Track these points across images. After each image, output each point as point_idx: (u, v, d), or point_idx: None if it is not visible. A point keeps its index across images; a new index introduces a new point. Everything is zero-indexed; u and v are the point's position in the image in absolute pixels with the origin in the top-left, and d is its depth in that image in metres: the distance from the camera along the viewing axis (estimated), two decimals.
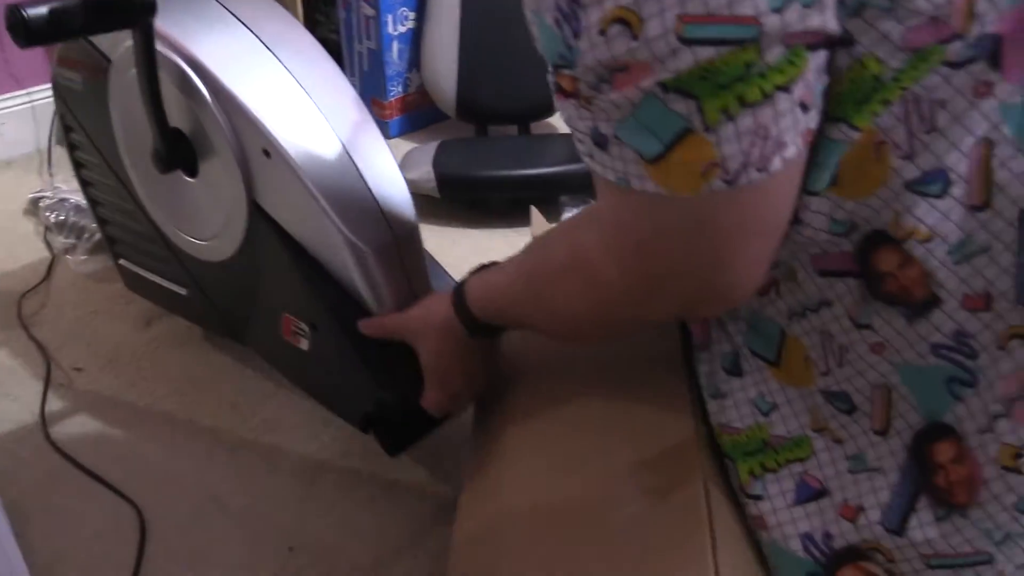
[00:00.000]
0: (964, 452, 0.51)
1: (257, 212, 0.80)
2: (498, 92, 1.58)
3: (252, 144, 0.76)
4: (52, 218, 1.23)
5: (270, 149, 0.75)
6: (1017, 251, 0.47)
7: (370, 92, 1.68)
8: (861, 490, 0.55)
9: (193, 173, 0.85)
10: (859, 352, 0.53)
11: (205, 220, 0.87)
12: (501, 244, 1.33)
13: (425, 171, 1.40)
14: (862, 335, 0.52)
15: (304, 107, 0.78)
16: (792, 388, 0.57)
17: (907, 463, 0.53)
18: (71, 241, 1.23)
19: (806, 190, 0.49)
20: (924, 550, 0.53)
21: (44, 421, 1.00)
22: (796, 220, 0.50)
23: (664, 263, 0.51)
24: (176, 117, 0.81)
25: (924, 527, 0.53)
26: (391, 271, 0.78)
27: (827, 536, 0.56)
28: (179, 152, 0.82)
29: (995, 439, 0.50)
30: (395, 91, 1.67)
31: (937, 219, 0.47)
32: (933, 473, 0.52)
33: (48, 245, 1.27)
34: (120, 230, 1.04)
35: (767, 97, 0.42)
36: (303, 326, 0.81)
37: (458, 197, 1.42)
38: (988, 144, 0.45)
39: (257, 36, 0.80)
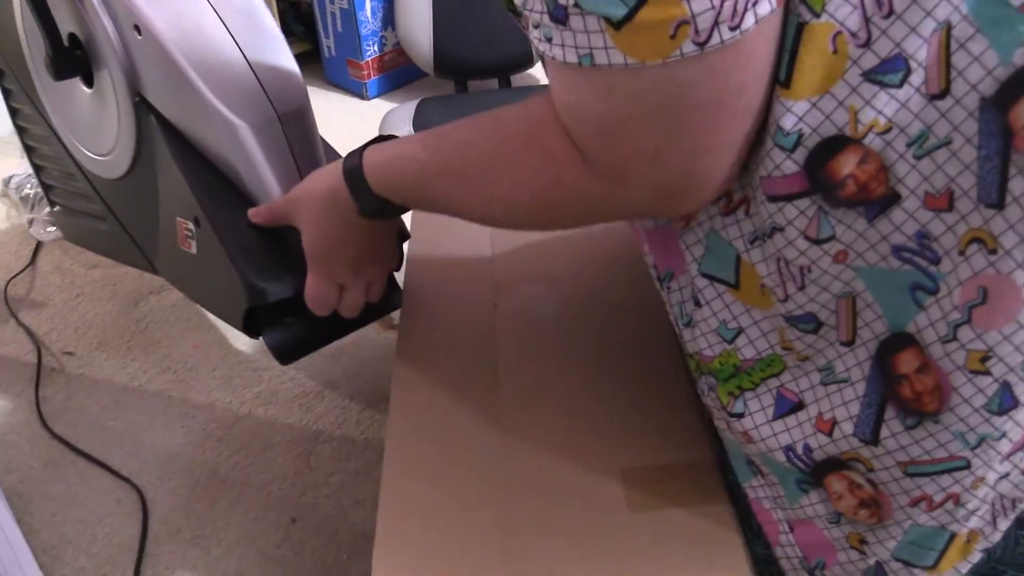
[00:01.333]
0: (928, 362, 0.51)
1: (143, 106, 0.76)
2: (476, 46, 1.55)
3: (126, 23, 0.72)
4: (18, 194, 1.22)
5: (139, 23, 0.70)
6: (978, 145, 0.46)
7: (345, 53, 1.65)
8: (833, 403, 0.56)
9: (90, 83, 0.82)
10: (822, 267, 0.52)
11: (104, 132, 0.84)
12: None
13: (405, 132, 1.38)
14: (823, 249, 0.51)
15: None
16: (757, 310, 0.57)
17: (872, 373, 0.54)
18: (34, 215, 1.22)
19: None
20: (900, 457, 0.54)
21: (39, 408, 1.00)
22: None
23: (634, 147, 0.48)
24: (67, 21, 0.78)
25: (896, 436, 0.54)
26: (273, 152, 0.72)
27: (807, 448, 0.58)
28: (71, 57, 0.78)
29: (960, 347, 0.50)
30: (371, 51, 1.64)
31: (896, 109, 0.46)
32: (897, 383, 0.53)
33: (31, 225, 1.26)
34: (49, 170, 1.02)
35: None
36: (190, 226, 0.76)
37: None
38: (947, 27, 0.44)
39: None
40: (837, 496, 0.58)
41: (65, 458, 0.94)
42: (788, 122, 0.48)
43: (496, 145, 0.56)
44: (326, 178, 0.65)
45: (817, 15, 0.45)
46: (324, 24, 1.66)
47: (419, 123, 1.39)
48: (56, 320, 1.13)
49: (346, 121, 1.60)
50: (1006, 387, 0.50)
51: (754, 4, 0.43)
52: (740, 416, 0.60)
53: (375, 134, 1.38)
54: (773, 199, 0.52)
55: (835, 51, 0.46)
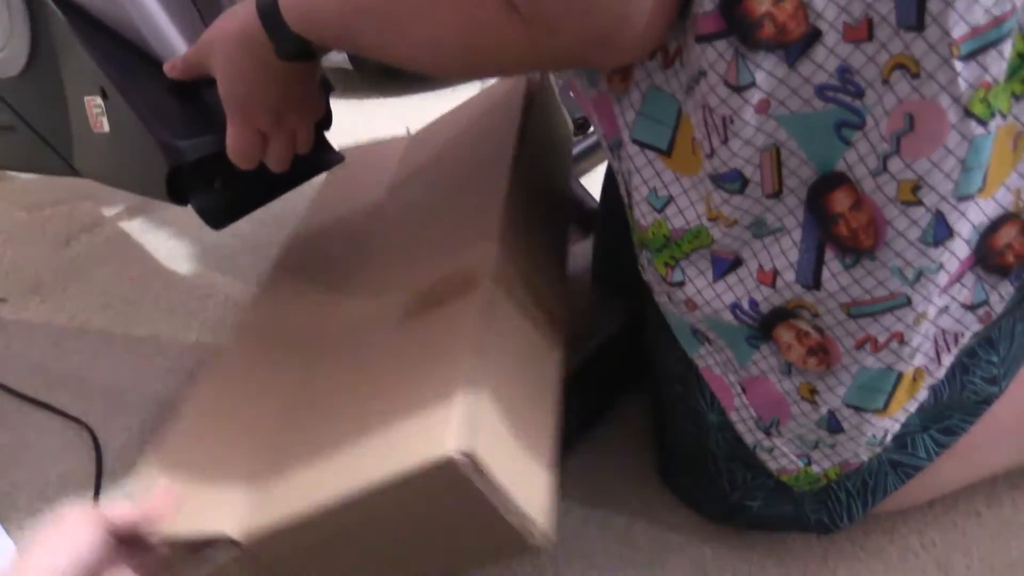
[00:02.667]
0: (861, 198, 0.51)
1: None
2: None
3: None
4: None
5: None
6: None
7: None
8: (771, 253, 0.55)
9: None
10: (744, 118, 0.51)
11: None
12: (420, 110, 1.27)
13: None
14: (743, 98, 0.50)
15: None
16: (686, 177, 0.56)
17: (806, 218, 0.53)
18: None
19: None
20: (842, 299, 0.54)
21: None
22: None
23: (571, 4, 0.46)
24: None
25: (837, 276, 0.53)
26: (173, 4, 0.67)
27: (753, 303, 0.57)
28: None
29: (890, 178, 0.49)
30: None
31: None
32: (833, 224, 0.52)
33: None
34: None
35: None
36: (99, 101, 0.71)
37: (370, 66, 1.35)
38: None
39: None
40: (787, 346, 0.58)
41: (9, 405, 0.91)
42: None
43: None
44: (240, 17, 0.60)
45: None
46: None
47: None
48: None
49: None
50: (939, 217, 0.50)
51: None
52: (681, 284, 0.59)
53: None
54: (699, 39, 0.50)
55: None
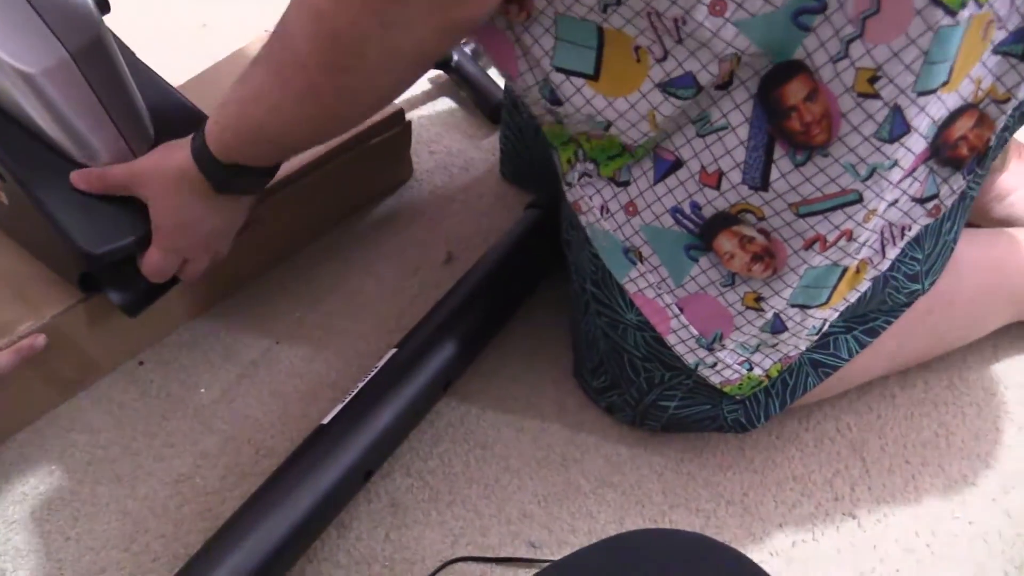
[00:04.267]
0: (816, 87, 0.47)
1: None
2: None
3: None
4: None
5: None
6: None
7: None
8: (715, 153, 0.52)
9: None
10: (697, 18, 0.47)
11: None
12: None
13: None
14: None
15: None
16: (621, 99, 0.52)
17: (755, 113, 0.50)
18: None
19: None
20: (791, 199, 0.51)
21: None
22: None
23: None
24: None
25: (787, 176, 0.51)
26: (72, 95, 0.63)
27: (695, 206, 0.54)
28: None
29: (850, 65, 0.46)
30: None
31: None
32: (785, 117, 0.49)
33: None
34: None
35: None
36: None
37: None
38: None
39: None
40: (729, 256, 0.55)
41: None
42: None
43: (288, 39, 0.51)
44: (177, 156, 0.60)
45: None
46: None
47: None
48: None
49: None
50: (896, 111, 0.46)
51: None
52: (626, 184, 0.56)
53: None
54: None
55: None
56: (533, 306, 0.80)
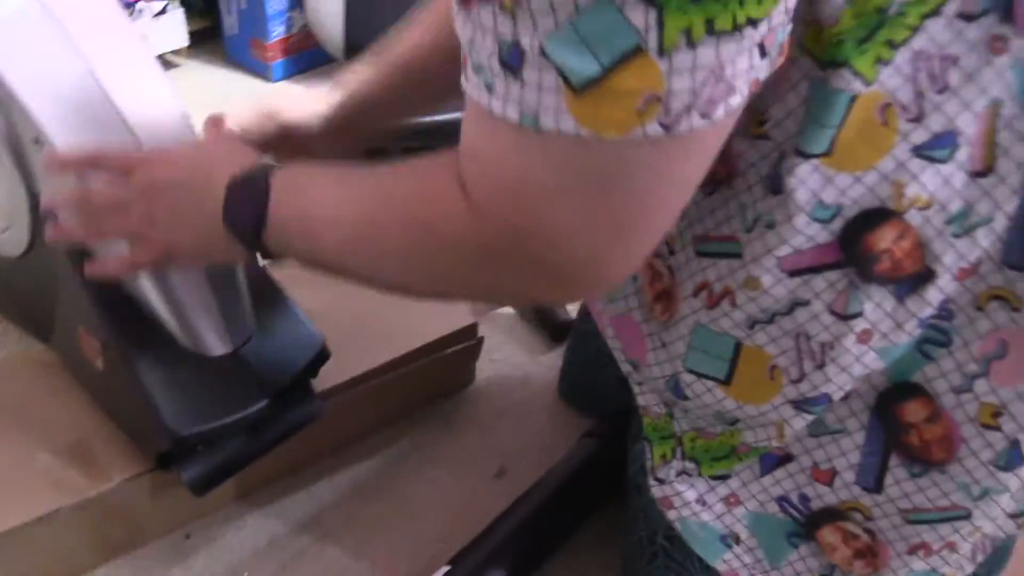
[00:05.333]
0: (937, 411, 0.50)
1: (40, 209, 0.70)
2: (391, 33, 1.49)
3: (23, 131, 0.66)
4: None
5: (41, 137, 0.64)
6: (1014, 216, 0.45)
7: (249, 33, 1.56)
8: (829, 453, 0.54)
9: None
10: (845, 345, 0.49)
11: None
12: None
13: None
14: (849, 326, 0.49)
15: (92, 97, 0.65)
16: (751, 406, 0.54)
17: (872, 423, 0.52)
18: None
19: (798, 151, 0.44)
20: (903, 504, 0.53)
21: None
22: (776, 190, 0.46)
23: (545, 221, 0.41)
24: None
25: (901, 483, 0.52)
26: (189, 284, 0.68)
27: (803, 498, 0.56)
28: None
29: (974, 399, 0.49)
30: (277, 32, 1.55)
31: (938, 186, 0.44)
32: (904, 432, 0.51)
33: None
34: None
35: (737, 29, 0.35)
36: (97, 345, 0.73)
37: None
38: (995, 105, 0.42)
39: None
40: (831, 548, 0.56)
41: None
42: (830, 195, 0.45)
43: (392, 216, 0.48)
44: (219, 176, 0.54)
45: (868, 84, 0.42)
46: (228, 1, 1.56)
47: None
48: None
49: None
50: (1015, 445, 0.49)
51: (727, 95, 0.38)
52: (725, 478, 0.58)
53: None
54: (796, 273, 0.48)
55: (884, 123, 0.43)
56: (579, 538, 0.81)
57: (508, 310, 1.08)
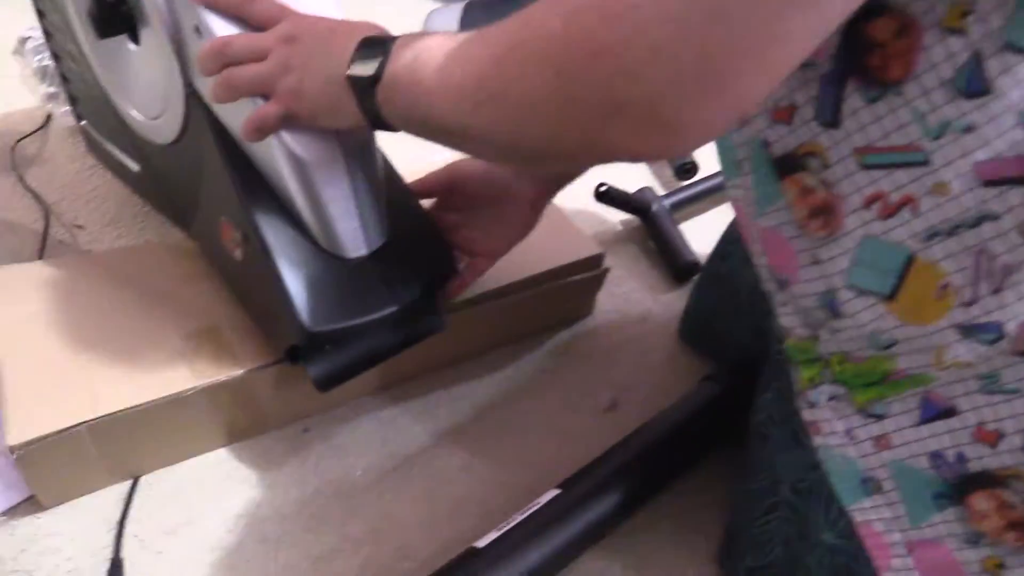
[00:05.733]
0: None
1: (194, 98, 0.70)
2: None
3: (184, 17, 0.66)
4: (36, 62, 1.13)
5: (201, 27, 0.64)
6: None
7: None
8: (998, 413, 0.50)
9: (137, 39, 0.74)
10: None
11: (148, 96, 0.78)
12: None
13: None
14: None
15: None
16: (912, 326, 0.51)
17: None
18: (53, 89, 1.12)
19: (1011, 47, 0.41)
20: None
21: None
22: (974, 93, 0.42)
23: (631, 45, 0.38)
24: None
25: None
26: (332, 190, 0.68)
27: (960, 457, 0.53)
28: (115, 15, 0.70)
29: None
30: None
31: None
32: None
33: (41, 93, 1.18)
34: (81, 90, 0.96)
35: None
36: (237, 235, 0.74)
37: None
38: None
39: None
40: (981, 515, 0.53)
41: None
42: None
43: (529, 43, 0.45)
44: (344, 42, 0.58)
45: None
46: None
47: (466, 26, 1.30)
48: (66, 190, 1.06)
49: (384, 15, 1.51)
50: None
51: None
52: (880, 417, 0.55)
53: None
54: (992, 183, 0.45)
55: None
56: (684, 481, 0.80)
57: (631, 247, 1.06)
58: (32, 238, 0.98)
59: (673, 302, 0.98)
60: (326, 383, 0.73)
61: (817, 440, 0.59)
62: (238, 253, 0.75)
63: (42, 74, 1.12)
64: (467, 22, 1.31)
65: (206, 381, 0.72)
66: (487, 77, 0.48)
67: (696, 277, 0.96)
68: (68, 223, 1.01)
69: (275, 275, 0.69)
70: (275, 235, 0.70)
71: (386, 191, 0.74)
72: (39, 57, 1.11)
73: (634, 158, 0.43)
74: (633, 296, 0.99)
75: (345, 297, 0.70)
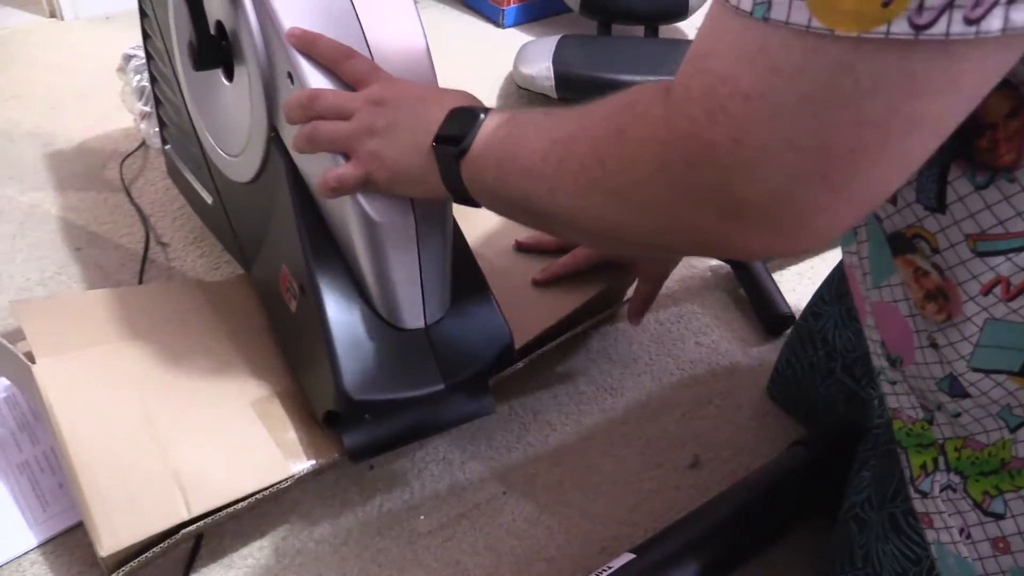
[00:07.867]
0: None
1: (276, 142, 0.69)
2: None
3: (279, 62, 0.65)
4: (136, 81, 1.15)
5: (294, 74, 0.63)
6: None
7: None
8: None
9: (231, 76, 0.74)
10: None
11: (232, 133, 0.77)
12: None
13: (544, 67, 1.27)
14: None
15: (351, 35, 0.65)
16: None
17: None
18: (148, 109, 1.14)
19: None
20: None
21: None
22: None
23: (742, 142, 0.36)
24: (219, 8, 0.69)
25: None
26: (400, 253, 0.66)
27: None
28: (214, 49, 0.70)
29: None
30: None
31: None
32: None
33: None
34: (170, 116, 0.97)
35: None
36: (295, 287, 0.71)
37: (577, 98, 1.29)
38: None
39: None
40: None
41: None
42: None
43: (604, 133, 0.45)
44: (435, 113, 0.56)
45: None
46: None
47: (559, 60, 1.28)
48: (154, 207, 1.07)
49: (477, 48, 1.51)
50: None
51: (1010, 2, 0.30)
52: (999, 517, 0.50)
53: (508, 64, 1.28)
54: None
55: None
56: (772, 553, 0.74)
57: (719, 295, 1.01)
58: (130, 255, 1.00)
59: (764, 355, 0.93)
60: (360, 455, 0.70)
61: (930, 535, 0.53)
62: (293, 304, 0.73)
63: (139, 93, 1.14)
64: (560, 56, 1.28)
65: (302, 468, 0.70)
66: (588, 165, 0.45)
67: (788, 332, 0.90)
68: (155, 240, 1.02)
69: (326, 334, 0.66)
70: (332, 293, 0.67)
71: (453, 263, 0.71)
72: (139, 77, 1.13)
73: (751, 258, 0.40)
74: (721, 347, 0.94)
75: (393, 368, 0.67)
